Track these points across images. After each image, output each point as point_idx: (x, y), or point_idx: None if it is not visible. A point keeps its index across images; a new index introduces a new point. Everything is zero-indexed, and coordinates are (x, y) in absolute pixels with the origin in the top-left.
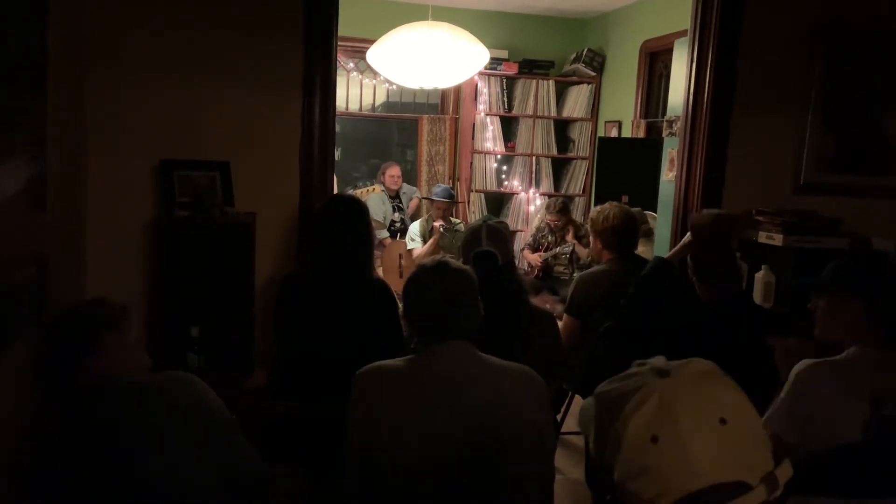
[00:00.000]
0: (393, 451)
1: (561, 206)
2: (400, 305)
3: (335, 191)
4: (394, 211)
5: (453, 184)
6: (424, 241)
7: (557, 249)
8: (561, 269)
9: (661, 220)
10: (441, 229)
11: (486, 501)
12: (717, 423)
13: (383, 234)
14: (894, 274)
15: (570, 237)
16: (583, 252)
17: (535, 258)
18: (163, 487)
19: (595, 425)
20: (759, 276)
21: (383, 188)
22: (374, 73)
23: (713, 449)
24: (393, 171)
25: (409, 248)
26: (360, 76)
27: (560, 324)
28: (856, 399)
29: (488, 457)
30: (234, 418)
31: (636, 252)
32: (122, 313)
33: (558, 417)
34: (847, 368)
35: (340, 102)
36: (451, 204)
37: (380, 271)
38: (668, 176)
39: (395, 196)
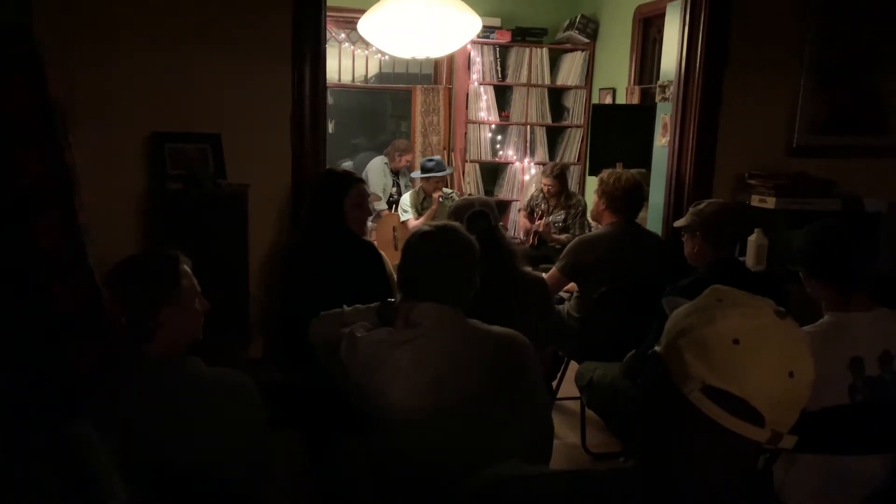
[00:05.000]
0: (385, 418)
1: (558, 171)
2: (389, 266)
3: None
4: (393, 185)
5: (448, 154)
6: (417, 212)
7: (550, 218)
8: (555, 233)
9: (655, 187)
10: (440, 199)
11: (482, 464)
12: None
13: (381, 205)
14: (851, 243)
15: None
16: (554, 237)
17: (527, 224)
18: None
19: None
20: (751, 239)
21: (387, 161)
22: (367, 44)
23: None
24: (409, 157)
25: (402, 220)
26: (352, 47)
27: (548, 273)
28: (834, 365)
29: (481, 421)
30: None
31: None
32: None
33: (553, 384)
34: (822, 336)
35: (333, 74)
36: (444, 177)
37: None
38: (662, 141)
39: (395, 172)
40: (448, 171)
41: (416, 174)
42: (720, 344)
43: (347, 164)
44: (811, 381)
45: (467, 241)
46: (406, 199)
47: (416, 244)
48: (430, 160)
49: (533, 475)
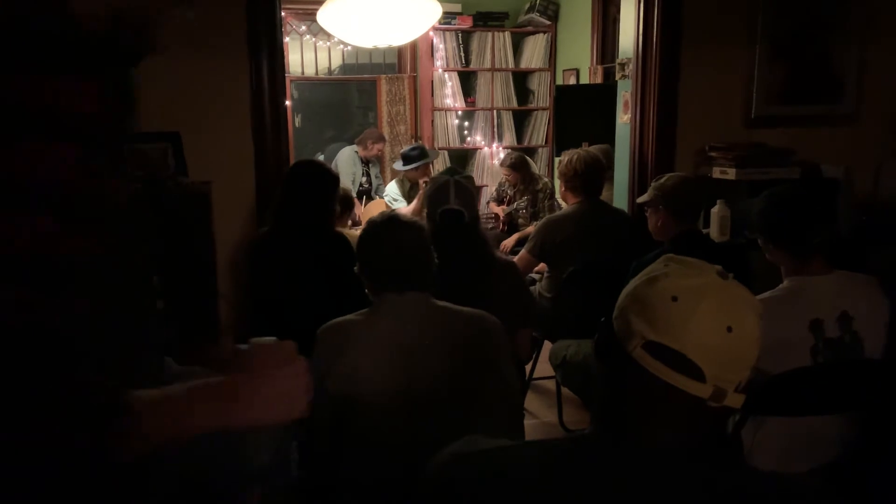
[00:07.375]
0: (357, 401)
1: (511, 161)
2: None
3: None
4: (363, 174)
5: (415, 143)
6: (407, 200)
7: (515, 205)
8: (523, 222)
9: (619, 164)
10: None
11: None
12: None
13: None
14: (804, 209)
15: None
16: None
17: (500, 211)
18: None
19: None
20: (714, 210)
21: (357, 150)
22: (328, 35)
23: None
24: (381, 146)
25: (393, 208)
26: (314, 39)
27: (517, 256)
28: (796, 328)
29: (452, 400)
30: None
31: (601, 198)
32: None
33: (527, 366)
34: (782, 301)
35: (296, 67)
36: (430, 163)
37: (358, 231)
38: (624, 119)
39: (365, 161)
40: (431, 157)
41: (399, 165)
42: (659, 301)
43: (318, 157)
44: (755, 338)
45: (412, 227)
46: (393, 188)
47: (367, 243)
48: (414, 149)
49: (491, 448)
